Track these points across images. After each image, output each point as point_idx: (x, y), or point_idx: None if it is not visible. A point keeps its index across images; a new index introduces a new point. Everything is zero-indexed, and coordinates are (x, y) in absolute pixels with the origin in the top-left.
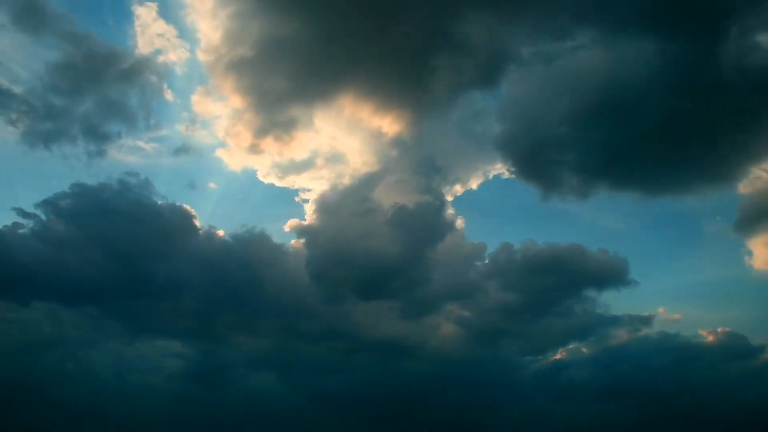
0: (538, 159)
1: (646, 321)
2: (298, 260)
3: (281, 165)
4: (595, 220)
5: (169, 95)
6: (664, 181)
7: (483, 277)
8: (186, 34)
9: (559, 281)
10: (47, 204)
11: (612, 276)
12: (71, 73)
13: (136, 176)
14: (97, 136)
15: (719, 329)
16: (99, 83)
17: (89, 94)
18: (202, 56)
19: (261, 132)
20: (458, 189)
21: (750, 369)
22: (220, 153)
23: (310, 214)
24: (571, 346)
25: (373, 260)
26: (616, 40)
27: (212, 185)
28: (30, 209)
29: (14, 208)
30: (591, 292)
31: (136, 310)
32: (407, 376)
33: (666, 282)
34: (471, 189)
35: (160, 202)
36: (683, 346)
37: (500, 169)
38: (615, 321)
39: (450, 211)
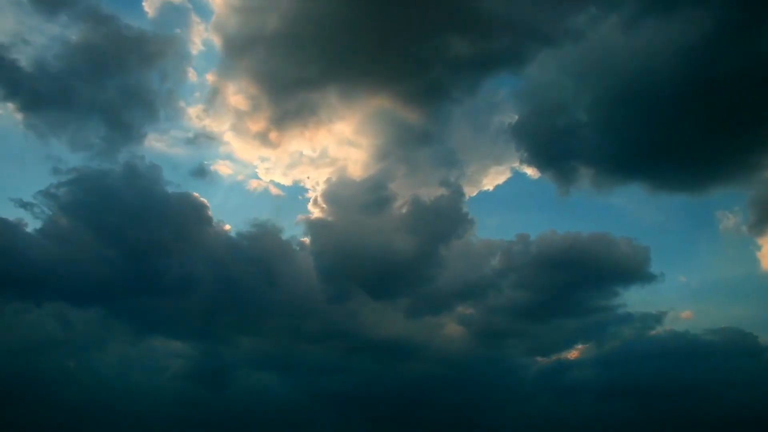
0: (556, 149)
1: (658, 319)
2: (305, 256)
3: (291, 156)
4: (606, 215)
5: (180, 78)
6: (684, 174)
7: (496, 274)
8: (201, 9)
9: (574, 277)
10: (45, 194)
11: (633, 271)
12: (84, 54)
13: (141, 159)
14: (109, 122)
15: (730, 328)
16: (109, 64)
17: (98, 77)
18: (215, 36)
19: (273, 121)
20: (475, 182)
21: (760, 368)
22: (230, 142)
23: (319, 209)
24: (584, 345)
25: (382, 257)
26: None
27: (220, 176)
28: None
29: (12, 199)
30: (609, 289)
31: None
32: (418, 376)
33: (678, 279)
34: (489, 182)
35: (171, 191)
36: (694, 345)
37: (518, 162)
38: (627, 319)
39: (465, 205)
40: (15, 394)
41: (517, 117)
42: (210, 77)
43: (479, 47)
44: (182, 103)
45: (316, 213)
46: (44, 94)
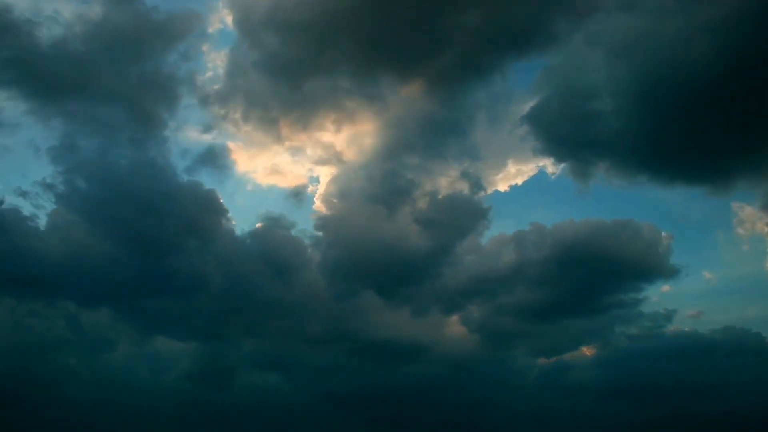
0: (575, 138)
1: (668, 317)
2: (314, 253)
3: (301, 148)
4: (622, 209)
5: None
6: (706, 166)
7: (509, 271)
8: None
9: (592, 272)
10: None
11: (654, 265)
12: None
13: (153, 148)
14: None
15: (735, 327)
16: (123, 44)
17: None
18: (228, 14)
19: (285, 110)
20: (491, 182)
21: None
22: (241, 131)
23: (330, 203)
24: (599, 344)
25: (392, 253)
26: None
27: (230, 168)
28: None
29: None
30: (632, 285)
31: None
32: (426, 376)
33: (690, 276)
34: (504, 181)
35: (182, 182)
36: (703, 345)
37: (532, 152)
38: (638, 317)
39: (483, 200)
40: (20, 393)
41: (537, 99)
42: (224, 59)
43: (501, 23)
44: (197, 87)
45: (326, 208)
46: (57, 76)
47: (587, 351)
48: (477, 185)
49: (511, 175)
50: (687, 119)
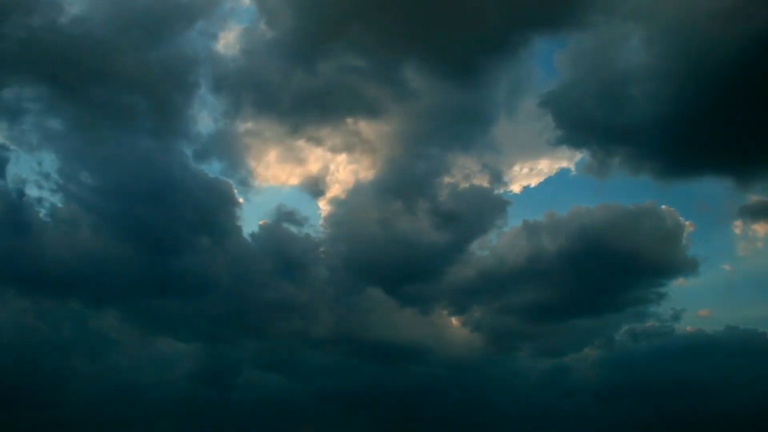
0: (601, 127)
1: (675, 317)
2: (320, 251)
3: (314, 140)
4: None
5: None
6: (725, 161)
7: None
8: None
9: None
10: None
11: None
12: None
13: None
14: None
15: (744, 328)
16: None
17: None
18: None
19: (299, 99)
20: (510, 172)
21: None
22: (251, 124)
23: (339, 200)
24: (603, 344)
25: (404, 250)
26: None
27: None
28: None
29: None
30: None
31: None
32: (434, 376)
33: (708, 271)
34: (527, 173)
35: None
36: (710, 344)
37: (559, 147)
38: (643, 316)
39: (501, 193)
40: (23, 392)
41: (557, 81)
42: (238, 39)
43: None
44: (210, 72)
45: (339, 202)
46: (75, 59)
47: (595, 351)
48: (497, 179)
49: (534, 171)
50: (717, 106)
